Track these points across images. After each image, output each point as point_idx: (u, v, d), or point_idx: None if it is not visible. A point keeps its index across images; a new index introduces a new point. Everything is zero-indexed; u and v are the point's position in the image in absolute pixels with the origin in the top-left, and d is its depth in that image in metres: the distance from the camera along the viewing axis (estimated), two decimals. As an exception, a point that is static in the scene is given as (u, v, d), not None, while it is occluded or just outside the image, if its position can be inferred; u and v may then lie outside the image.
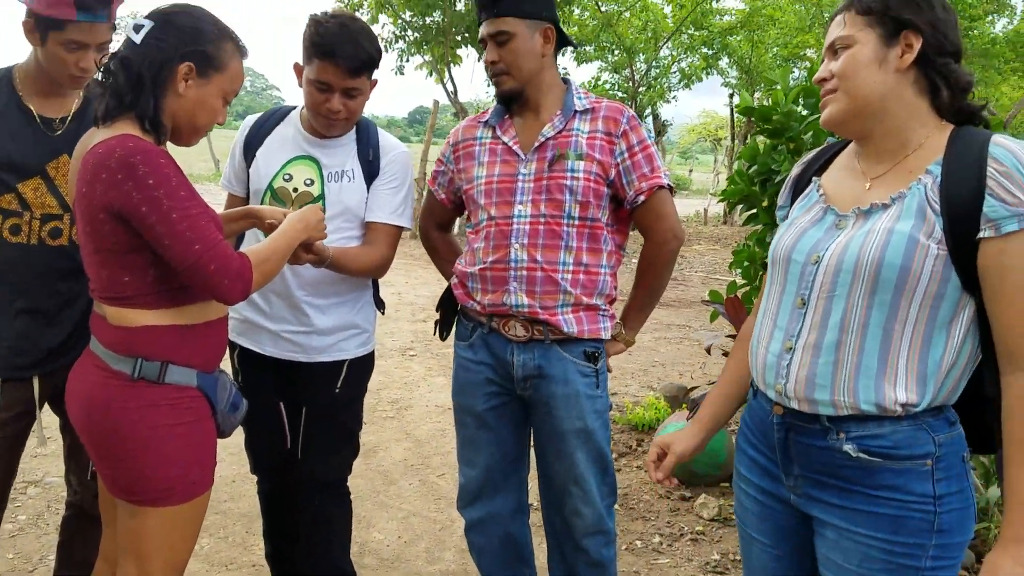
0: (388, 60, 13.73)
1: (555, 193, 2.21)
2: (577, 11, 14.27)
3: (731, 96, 17.83)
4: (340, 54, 2.24)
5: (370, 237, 2.47)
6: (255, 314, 2.48)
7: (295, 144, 2.47)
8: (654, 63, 16.27)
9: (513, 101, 2.28)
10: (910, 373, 1.41)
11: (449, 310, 2.51)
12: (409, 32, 12.78)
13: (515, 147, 2.28)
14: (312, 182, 2.44)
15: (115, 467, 1.80)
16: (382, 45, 12.75)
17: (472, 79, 21.76)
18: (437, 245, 2.66)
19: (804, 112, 3.31)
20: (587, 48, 15.08)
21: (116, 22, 2.24)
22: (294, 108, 2.55)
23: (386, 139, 2.54)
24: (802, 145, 3.24)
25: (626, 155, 2.22)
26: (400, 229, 2.51)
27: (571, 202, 2.19)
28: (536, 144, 2.23)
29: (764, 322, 1.62)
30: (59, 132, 2.17)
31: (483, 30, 2.25)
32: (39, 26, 2.12)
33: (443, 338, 2.55)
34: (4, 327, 2.18)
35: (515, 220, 2.23)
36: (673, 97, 16.54)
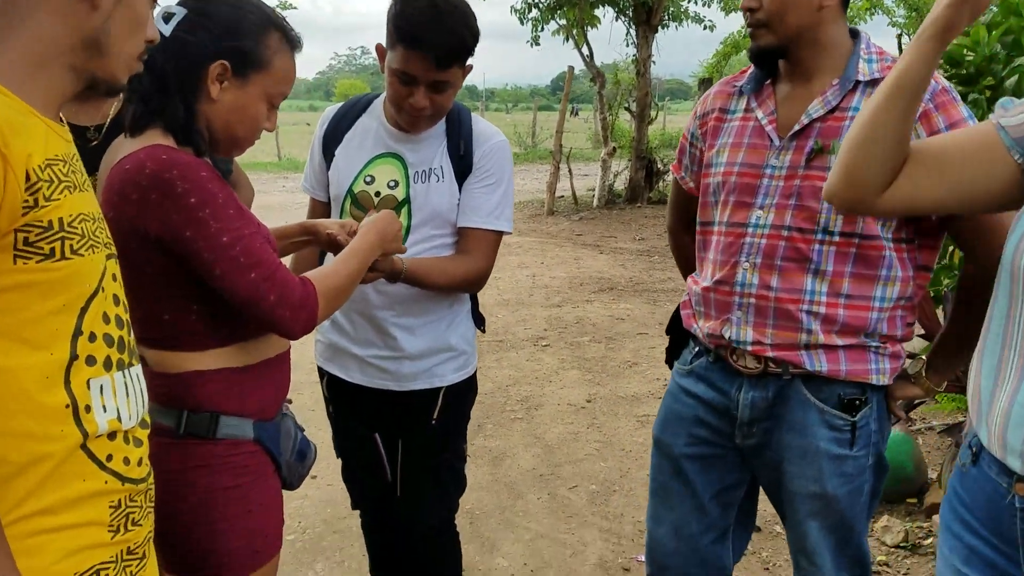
0: (523, 31, 13.33)
1: (808, 199, 1.69)
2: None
3: (899, 38, 16.12)
4: (428, 42, 1.88)
5: (463, 245, 2.11)
6: (340, 337, 2.19)
7: (378, 140, 2.14)
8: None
9: (769, 63, 1.80)
10: None
11: (680, 335, 2.03)
12: (542, -2, 12.32)
13: (769, 127, 1.78)
14: (396, 184, 2.11)
15: (164, 540, 1.55)
16: (515, 16, 12.45)
17: (610, 40, 20.84)
18: (687, 251, 2.11)
19: (1003, 53, 2.64)
20: (733, -1, 14.07)
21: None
22: (378, 96, 2.21)
23: (481, 128, 2.16)
24: (1002, 94, 2.58)
25: None
26: (499, 235, 2.14)
27: (830, 212, 1.66)
28: (797, 127, 1.72)
29: (1003, 357, 1.17)
30: (94, 143, 1.93)
31: None
32: None
33: (671, 365, 2.08)
34: None
35: (749, 230, 1.77)
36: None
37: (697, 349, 1.93)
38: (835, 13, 1.70)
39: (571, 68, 12.40)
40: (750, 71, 1.86)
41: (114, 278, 1.18)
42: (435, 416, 2.16)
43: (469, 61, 2.03)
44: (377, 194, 2.11)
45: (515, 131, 23.96)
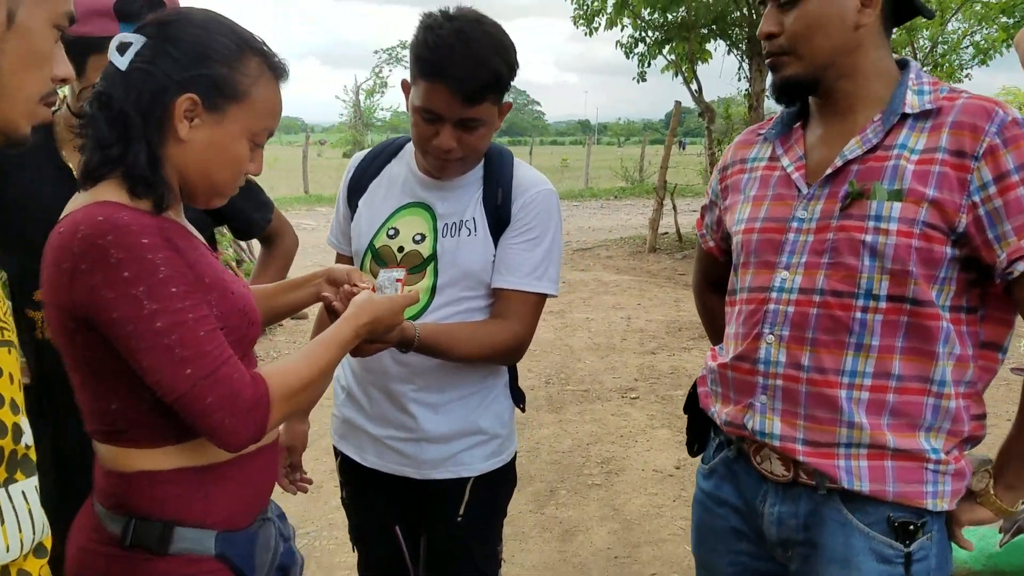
0: (629, 67, 12.96)
1: (845, 255, 1.40)
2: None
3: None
4: (453, 74, 1.60)
5: (498, 309, 1.79)
6: (355, 413, 1.89)
7: (406, 188, 1.85)
8: (940, 38, 13.97)
9: (798, 97, 1.53)
10: None
11: (701, 417, 1.71)
12: (650, 32, 11.97)
13: (796, 175, 1.50)
14: (422, 238, 1.81)
15: None
16: (621, 51, 12.17)
17: (721, 74, 20.22)
18: (712, 312, 1.88)
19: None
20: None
21: None
22: (410, 139, 1.93)
23: (523, 175, 1.84)
24: None
25: (993, 190, 1.32)
26: (541, 298, 1.80)
27: (873, 270, 1.37)
28: (830, 170, 1.44)
29: None
30: None
31: None
32: (75, 52, 1.69)
33: (693, 453, 1.75)
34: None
35: (773, 295, 1.48)
36: (966, 76, 14.06)
37: (718, 440, 1.64)
38: (875, 35, 1.43)
39: (678, 103, 11.95)
40: (776, 117, 1.62)
41: None
42: (461, 511, 1.83)
43: (507, 97, 1.72)
44: (400, 249, 1.81)
45: (622, 165, 23.66)
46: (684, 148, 49.27)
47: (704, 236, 1.82)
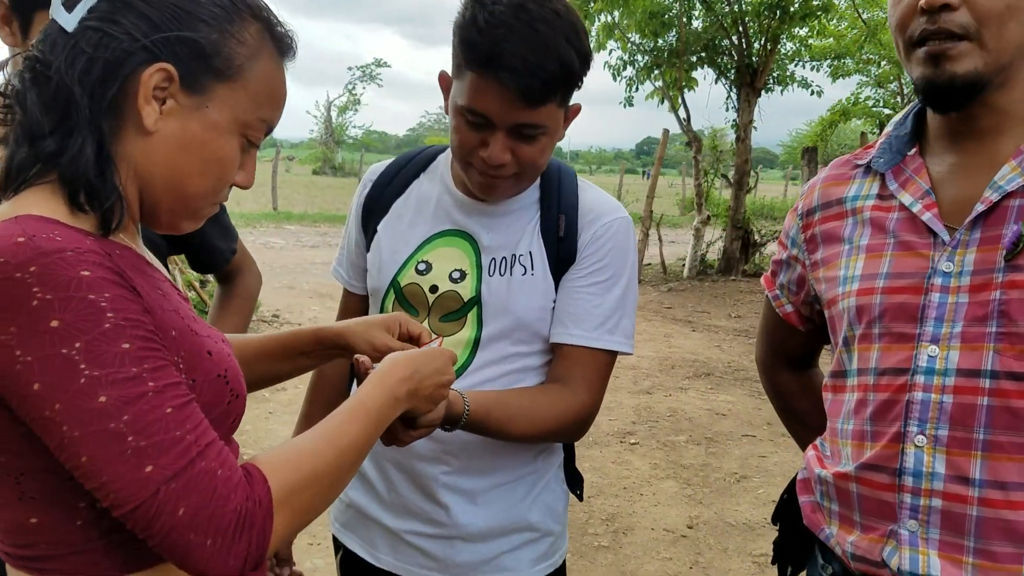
0: (616, 91, 12.74)
1: (1020, 320, 1.05)
2: (834, 22, 12.51)
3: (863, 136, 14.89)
4: (510, 64, 1.20)
5: (559, 370, 1.39)
6: (365, 497, 1.47)
7: (440, 211, 1.44)
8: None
9: (963, 105, 1.13)
10: None
11: (794, 530, 1.34)
12: (639, 57, 11.74)
13: (927, 215, 1.16)
14: (462, 275, 1.40)
15: None
16: (609, 73, 11.92)
17: (708, 103, 20.11)
18: (789, 395, 1.50)
19: None
20: (846, 61, 13.19)
21: None
22: (443, 149, 1.53)
23: (591, 199, 1.44)
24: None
25: None
26: (612, 356, 1.40)
27: None
28: (981, 207, 1.11)
29: None
30: None
31: None
32: (18, 9, 1.28)
33: (783, 574, 1.38)
34: None
35: (919, 379, 1.12)
36: (951, 115, 14.06)
37: (831, 570, 1.27)
38: None
39: (666, 131, 11.73)
40: (881, 141, 1.27)
41: None
42: (502, 631, 1.41)
43: (574, 97, 1.34)
44: (433, 289, 1.40)
45: (600, 193, 23.43)
46: (647, 177, 49.63)
47: (778, 299, 1.43)
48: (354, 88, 42.12)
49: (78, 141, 0.83)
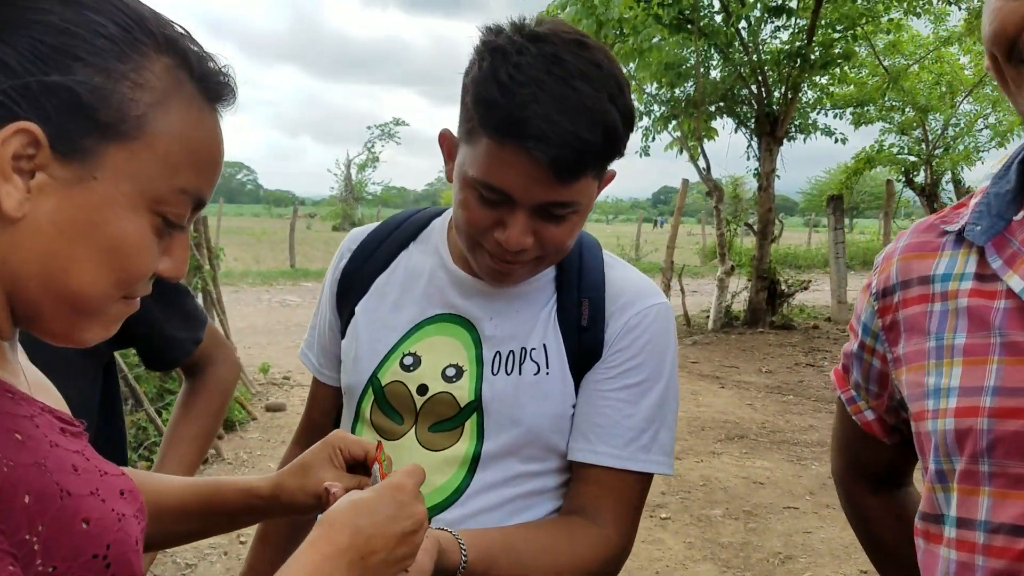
0: (633, 140, 12.61)
1: None
2: (853, 71, 12.32)
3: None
4: (539, 132, 0.97)
5: (581, 498, 1.11)
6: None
7: (432, 291, 1.16)
8: (952, 121, 13.69)
9: None
10: None
11: None
12: (656, 107, 11.58)
13: None
14: (459, 373, 1.11)
15: None
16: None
17: (728, 152, 19.63)
18: (876, 523, 1.19)
19: None
20: (868, 108, 12.95)
21: None
22: (439, 213, 1.25)
23: (621, 279, 1.16)
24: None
25: None
26: (647, 480, 1.10)
27: None
28: None
29: None
30: None
31: None
32: None
33: None
34: None
35: None
36: (980, 160, 13.77)
37: None
38: None
39: (685, 181, 11.49)
40: (976, 200, 0.96)
41: None
42: None
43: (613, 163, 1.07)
44: (422, 390, 1.11)
45: (618, 243, 23.30)
46: (661, 225, 49.53)
47: (854, 402, 1.11)
48: (373, 146, 42.72)
49: None
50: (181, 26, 0.71)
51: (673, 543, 4.23)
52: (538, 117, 0.94)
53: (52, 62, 0.62)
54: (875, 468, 1.15)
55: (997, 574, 0.83)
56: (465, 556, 0.93)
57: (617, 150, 1.03)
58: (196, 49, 0.70)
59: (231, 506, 0.92)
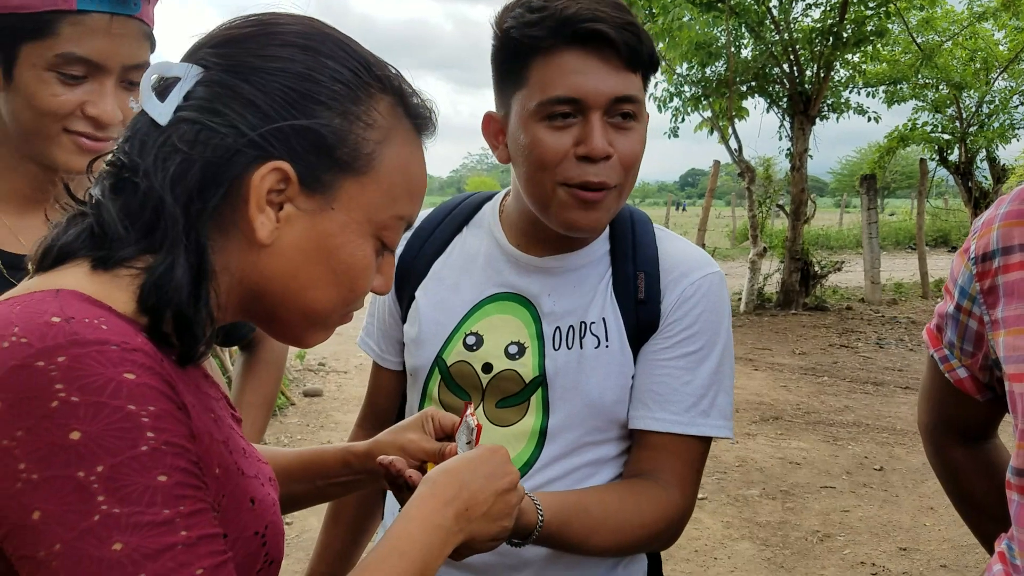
0: (660, 122, 12.52)
1: None
2: (886, 48, 12.12)
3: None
4: (593, 15, 1.04)
5: (644, 463, 1.14)
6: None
7: (491, 270, 1.19)
8: (987, 98, 13.44)
9: None
10: None
11: None
12: (686, 88, 11.49)
13: None
14: (521, 350, 1.15)
15: None
16: (655, 105, 11.76)
17: (760, 132, 19.50)
18: (965, 476, 1.24)
19: None
20: (901, 86, 12.75)
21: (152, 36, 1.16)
22: (490, 196, 1.28)
23: (675, 251, 1.19)
24: None
25: None
26: (707, 443, 1.12)
27: None
28: None
29: None
30: None
31: None
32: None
33: None
34: None
35: None
36: (1015, 136, 13.48)
37: None
38: None
39: (717, 162, 11.42)
40: None
41: None
42: None
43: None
44: (487, 368, 1.15)
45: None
46: (684, 209, 49.01)
47: (947, 360, 1.16)
48: (399, 132, 43.02)
49: (167, 260, 0.66)
50: (394, 67, 0.78)
51: (711, 523, 4.26)
52: (586, 9, 1.03)
53: (299, 107, 0.69)
54: (964, 422, 1.20)
55: None
56: (542, 517, 0.97)
57: (656, 63, 1.11)
58: (408, 87, 0.78)
59: (330, 467, 0.98)
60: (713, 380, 1.15)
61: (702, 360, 1.15)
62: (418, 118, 0.78)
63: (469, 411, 0.94)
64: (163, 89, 0.70)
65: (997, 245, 1.04)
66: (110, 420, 0.57)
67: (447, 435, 0.95)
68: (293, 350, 7.75)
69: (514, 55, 1.07)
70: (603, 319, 1.15)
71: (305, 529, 4.00)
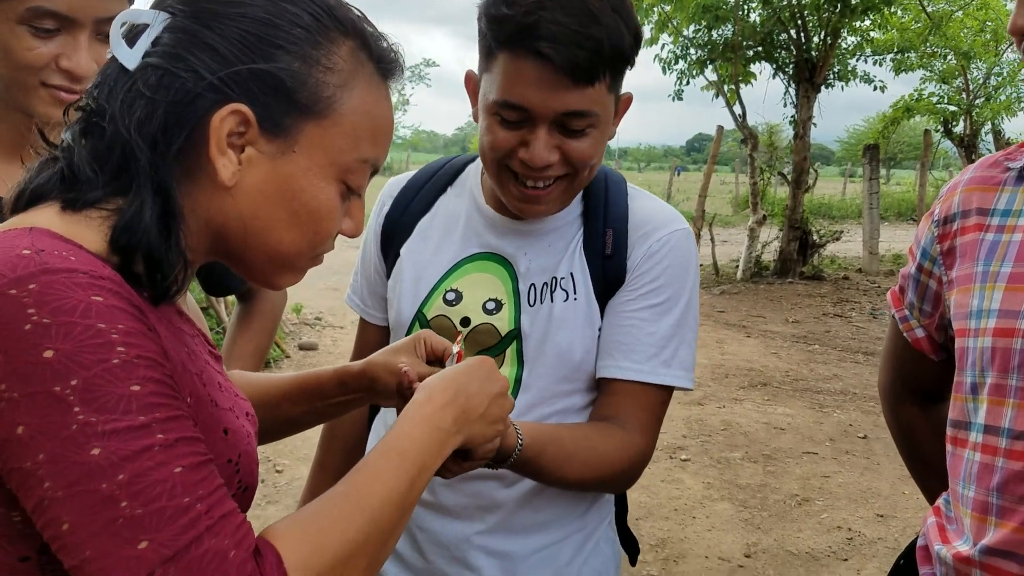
0: (666, 86, 12.43)
1: None
2: (899, 12, 11.98)
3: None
4: (549, 33, 1.02)
5: (607, 409, 1.19)
6: (388, 564, 1.28)
7: (470, 231, 1.25)
8: (995, 70, 13.33)
9: None
10: None
11: None
12: (692, 50, 11.39)
13: None
14: (498, 306, 1.21)
15: None
16: (660, 67, 11.63)
17: (765, 99, 19.30)
18: (918, 436, 1.31)
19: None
20: (909, 55, 12.64)
21: None
22: (471, 160, 1.33)
23: (644, 209, 1.24)
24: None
25: None
26: (667, 393, 1.18)
27: None
28: None
29: None
30: None
31: None
32: None
33: None
34: None
35: None
36: (1021, 110, 13.39)
37: None
38: None
39: (720, 128, 11.37)
40: None
41: None
42: None
43: (625, 81, 1.14)
44: (465, 322, 1.21)
45: (650, 192, 23.13)
46: (679, 174, 48.75)
47: (907, 320, 1.21)
48: (403, 88, 42.48)
49: (136, 202, 0.70)
50: (358, 9, 0.79)
51: (692, 483, 4.36)
52: (546, 21, 1.01)
53: (257, 51, 0.72)
54: (920, 382, 1.25)
55: (1014, 475, 0.94)
56: (521, 440, 1.03)
57: (626, 60, 1.09)
58: (372, 30, 0.79)
59: (327, 388, 1.03)
60: (675, 331, 1.20)
61: (666, 312, 1.19)
62: (383, 61, 0.80)
63: (459, 339, 1.01)
64: (133, 36, 0.73)
65: (958, 209, 1.09)
66: (81, 338, 0.61)
67: (437, 359, 1.01)
68: (290, 303, 7.82)
69: (485, 38, 1.10)
70: (571, 274, 1.20)
71: (295, 477, 4.10)
